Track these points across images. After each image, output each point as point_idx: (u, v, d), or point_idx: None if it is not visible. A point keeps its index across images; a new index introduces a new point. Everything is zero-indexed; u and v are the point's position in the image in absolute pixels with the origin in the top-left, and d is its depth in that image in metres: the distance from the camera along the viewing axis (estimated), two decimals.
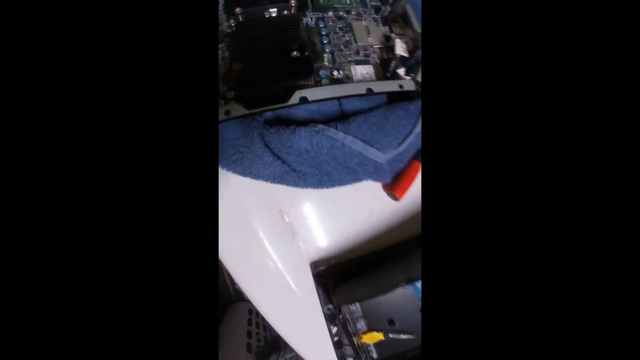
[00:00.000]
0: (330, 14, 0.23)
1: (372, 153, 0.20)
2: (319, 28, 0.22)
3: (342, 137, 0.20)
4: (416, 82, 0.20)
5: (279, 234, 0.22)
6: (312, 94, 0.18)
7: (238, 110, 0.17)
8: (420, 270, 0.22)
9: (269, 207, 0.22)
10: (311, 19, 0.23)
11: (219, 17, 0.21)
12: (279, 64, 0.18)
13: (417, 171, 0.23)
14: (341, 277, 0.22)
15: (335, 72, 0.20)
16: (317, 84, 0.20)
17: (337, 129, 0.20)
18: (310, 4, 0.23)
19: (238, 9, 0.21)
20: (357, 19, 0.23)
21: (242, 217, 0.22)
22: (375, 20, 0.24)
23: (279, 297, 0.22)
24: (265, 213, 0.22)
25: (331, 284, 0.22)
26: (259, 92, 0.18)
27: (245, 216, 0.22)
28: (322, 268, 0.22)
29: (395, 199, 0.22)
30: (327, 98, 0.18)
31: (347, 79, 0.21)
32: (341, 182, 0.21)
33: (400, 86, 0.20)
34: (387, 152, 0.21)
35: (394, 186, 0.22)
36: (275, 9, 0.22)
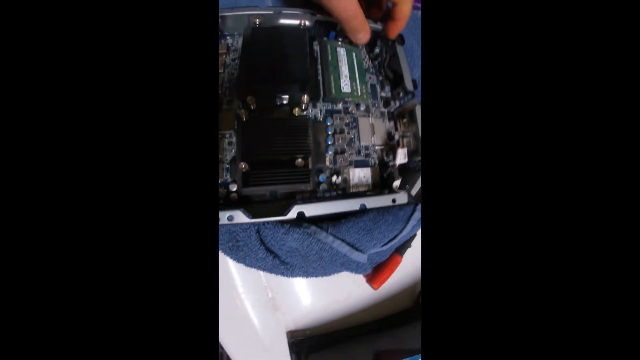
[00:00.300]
0: (340, 106, 0.24)
1: (356, 255, 0.22)
2: (326, 125, 0.22)
3: (331, 241, 0.21)
4: (409, 195, 0.21)
5: (262, 305, 0.24)
6: (309, 209, 0.19)
7: (240, 217, 0.19)
8: (386, 346, 0.25)
9: (255, 282, 0.24)
10: (320, 110, 0.23)
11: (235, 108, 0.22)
12: (283, 172, 0.19)
13: (397, 264, 0.25)
14: (314, 348, 0.25)
15: (334, 177, 0.22)
16: (316, 187, 0.21)
17: (327, 231, 0.21)
18: (322, 94, 0.23)
19: (249, 98, 0.21)
20: (365, 115, 0.24)
21: (230, 286, 0.24)
22: (382, 114, 0.25)
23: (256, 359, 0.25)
24: (252, 287, 0.24)
25: (304, 352, 0.25)
26: (261, 199, 0.20)
27: (234, 287, 0.24)
28: (297, 338, 0.25)
29: (373, 288, 0.25)
30: (323, 215, 0.19)
31: (344, 183, 0.22)
32: (325, 274, 0.23)
33: (394, 200, 0.21)
34: (371, 252, 0.23)
35: (373, 277, 0.25)
36: (287, 97, 0.22)
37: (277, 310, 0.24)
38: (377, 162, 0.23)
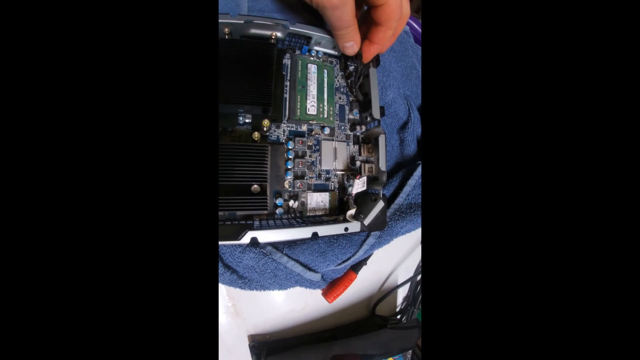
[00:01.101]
0: (304, 127, 0.23)
1: (310, 275, 0.23)
2: (287, 149, 0.22)
3: (285, 261, 0.22)
4: (362, 225, 0.22)
5: (223, 311, 0.26)
6: (262, 235, 0.20)
7: None
8: (342, 351, 0.27)
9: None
10: (284, 131, 0.23)
11: None
12: (241, 198, 0.20)
13: (351, 281, 0.26)
14: (273, 350, 0.27)
15: (291, 202, 0.22)
16: (273, 210, 0.22)
17: (282, 252, 0.22)
18: (287, 114, 0.23)
19: None
20: (329, 139, 0.24)
21: None
22: (347, 137, 0.25)
23: None
24: None
25: (264, 354, 0.27)
26: (220, 227, 0.20)
27: None
28: (258, 341, 0.27)
29: (328, 302, 0.26)
30: (276, 241, 0.20)
31: (302, 207, 0.23)
32: (281, 288, 0.24)
33: (346, 229, 0.22)
34: (324, 271, 0.24)
35: (327, 292, 0.26)
36: (250, 118, 0.22)
37: (238, 315, 0.26)
38: (336, 186, 0.24)
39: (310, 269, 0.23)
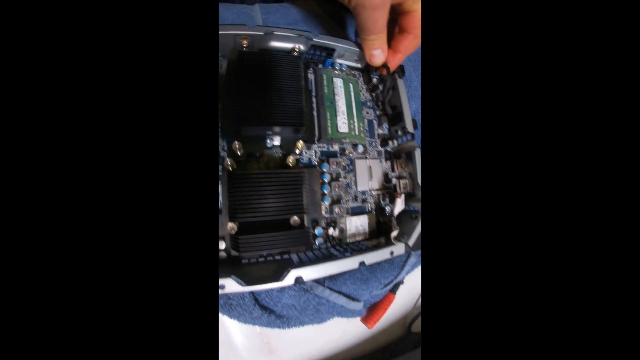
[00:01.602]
0: (336, 147, 0.22)
1: (353, 305, 0.22)
2: (322, 172, 0.21)
3: (328, 294, 0.21)
4: (407, 246, 0.21)
5: (257, 350, 0.24)
6: (307, 272, 0.18)
7: (233, 286, 0.17)
8: None
9: (248, 329, 0.23)
10: (315, 153, 0.21)
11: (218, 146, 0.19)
12: (279, 235, 0.18)
13: (390, 302, 0.25)
14: None
15: (330, 230, 0.20)
16: (312, 241, 0.20)
17: (324, 285, 0.21)
18: (317, 134, 0.21)
19: (237, 145, 0.19)
20: (362, 157, 0.22)
21: (225, 336, 0.23)
22: (378, 153, 0.23)
23: None
24: (246, 333, 0.23)
25: None
26: (255, 266, 0.18)
27: (229, 337, 0.23)
28: None
29: (368, 328, 0.25)
30: (321, 277, 0.18)
31: (341, 233, 0.21)
32: (320, 322, 0.22)
33: (391, 253, 0.21)
34: (367, 297, 0.23)
35: (367, 318, 0.25)
36: (278, 140, 0.20)
37: (272, 353, 0.24)
38: (373, 207, 0.22)
39: (353, 299, 0.22)
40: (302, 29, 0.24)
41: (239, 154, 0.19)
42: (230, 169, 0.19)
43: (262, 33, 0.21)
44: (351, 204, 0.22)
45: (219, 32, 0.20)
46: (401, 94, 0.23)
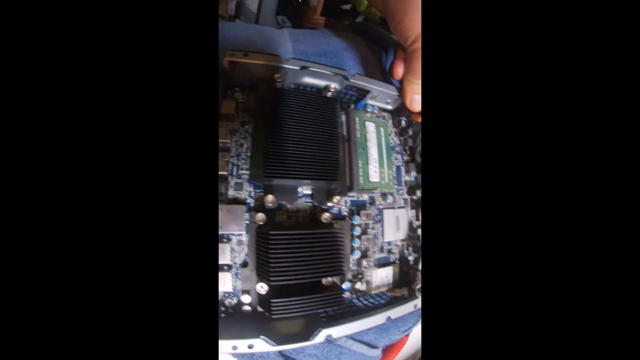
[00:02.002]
0: (365, 197, 0.21)
1: (372, 352, 0.22)
2: (353, 226, 0.20)
3: (350, 344, 0.21)
4: None
5: None
6: (337, 331, 0.18)
7: (262, 346, 0.17)
8: None
9: None
10: (345, 202, 0.21)
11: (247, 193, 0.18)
12: (312, 298, 0.17)
13: (403, 344, 0.26)
14: None
15: (358, 284, 0.20)
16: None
17: (347, 335, 0.21)
18: (349, 183, 0.20)
19: (270, 199, 0.18)
20: (390, 207, 0.22)
21: None
22: (405, 202, 0.23)
23: None
24: None
25: None
26: (281, 321, 0.17)
27: None
28: None
29: None
30: (351, 333, 0.18)
31: (367, 286, 0.21)
32: None
33: (415, 306, 0.21)
34: (385, 344, 0.23)
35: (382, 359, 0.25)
36: (309, 189, 0.19)
37: None
38: (397, 257, 0.22)
39: (373, 347, 0.22)
40: (333, 61, 0.23)
41: (271, 206, 0.18)
42: (261, 223, 0.18)
43: (297, 68, 0.19)
44: (377, 255, 0.21)
45: (251, 62, 0.18)
46: None
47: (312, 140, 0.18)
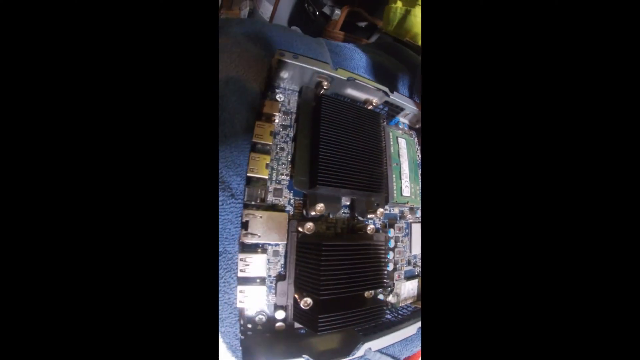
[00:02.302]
0: (396, 210, 0.22)
1: None
2: (388, 237, 0.20)
3: (378, 357, 0.20)
4: None
5: None
6: (375, 344, 0.17)
7: None
8: None
9: None
10: (378, 218, 0.21)
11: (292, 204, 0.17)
12: (356, 312, 0.17)
13: (420, 355, 0.26)
14: None
15: (390, 296, 0.20)
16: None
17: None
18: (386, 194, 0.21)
19: (320, 207, 0.17)
20: (417, 221, 0.23)
21: None
22: None
23: None
24: None
25: None
26: (317, 337, 0.17)
27: None
28: None
29: None
30: (386, 346, 0.18)
31: (397, 298, 0.21)
32: None
33: None
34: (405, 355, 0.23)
35: None
36: (349, 200, 0.19)
37: None
38: (420, 269, 0.23)
39: (396, 359, 0.22)
40: (369, 76, 0.23)
41: (317, 215, 0.18)
42: (309, 233, 0.17)
43: (344, 78, 0.19)
44: (405, 268, 0.22)
45: (300, 64, 0.18)
46: None
47: (362, 152, 0.18)
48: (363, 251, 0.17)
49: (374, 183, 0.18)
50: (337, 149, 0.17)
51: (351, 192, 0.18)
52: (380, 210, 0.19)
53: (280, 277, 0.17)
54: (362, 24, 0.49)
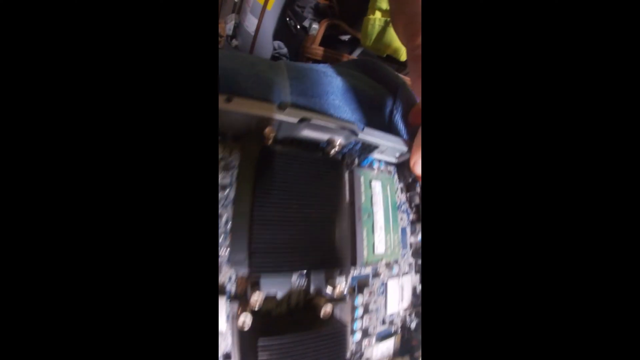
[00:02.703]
0: (369, 270, 0.19)
1: None
2: (354, 307, 0.18)
3: None
4: None
5: None
6: None
7: None
8: None
9: None
10: (345, 279, 0.18)
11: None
12: None
13: None
14: None
15: None
16: None
17: None
18: (352, 257, 0.18)
19: (255, 298, 0.14)
20: (395, 276, 0.20)
21: None
22: (410, 266, 0.21)
23: None
24: None
25: None
26: None
27: None
28: None
29: None
30: None
31: None
32: None
33: None
34: None
35: None
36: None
37: None
38: (399, 327, 0.21)
39: None
40: (335, 104, 0.19)
41: (256, 309, 0.15)
42: (246, 328, 0.14)
43: (294, 121, 0.15)
44: (379, 329, 0.19)
45: (236, 111, 0.14)
46: None
47: (315, 220, 0.15)
48: (315, 342, 0.14)
49: (331, 258, 0.15)
50: (279, 223, 0.14)
51: (301, 272, 0.15)
52: (339, 285, 0.16)
53: None
54: (345, 38, 0.42)
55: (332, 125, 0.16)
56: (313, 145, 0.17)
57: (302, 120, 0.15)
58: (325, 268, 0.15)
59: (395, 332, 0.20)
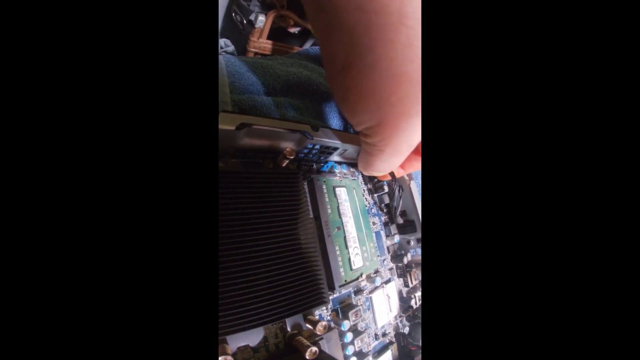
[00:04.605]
0: (350, 288, 0.17)
1: None
2: (343, 333, 0.15)
3: None
4: None
5: None
6: None
7: None
8: None
9: None
10: (327, 307, 0.16)
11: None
12: None
13: None
14: None
15: None
16: None
17: None
18: (327, 283, 0.15)
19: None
20: (378, 288, 0.18)
21: None
22: (391, 271, 0.19)
23: None
24: None
25: None
26: None
27: None
28: None
29: None
30: None
31: None
32: None
33: None
34: None
35: None
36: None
37: None
38: (393, 336, 0.19)
39: None
40: (285, 100, 0.16)
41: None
42: None
43: (232, 128, 0.12)
44: (373, 345, 0.18)
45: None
46: (415, 199, 0.19)
47: (274, 266, 0.12)
48: None
49: (300, 300, 0.13)
50: (235, 278, 0.11)
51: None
52: (322, 325, 0.14)
53: None
54: (296, 30, 0.40)
55: (280, 128, 0.14)
56: (259, 155, 0.15)
57: (240, 127, 0.13)
58: (298, 312, 0.13)
59: (391, 342, 0.19)
